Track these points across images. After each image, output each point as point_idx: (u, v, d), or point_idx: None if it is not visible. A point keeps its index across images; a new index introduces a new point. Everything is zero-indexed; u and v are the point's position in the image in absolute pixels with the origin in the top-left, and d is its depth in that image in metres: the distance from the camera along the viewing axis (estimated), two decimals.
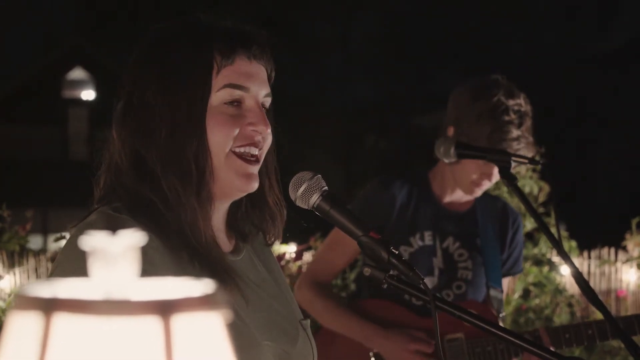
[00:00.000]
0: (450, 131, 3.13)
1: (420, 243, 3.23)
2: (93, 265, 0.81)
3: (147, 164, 1.72)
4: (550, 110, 23.22)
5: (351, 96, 28.40)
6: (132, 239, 0.83)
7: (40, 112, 24.50)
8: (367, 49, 28.38)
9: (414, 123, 26.07)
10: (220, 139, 1.73)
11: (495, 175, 3.13)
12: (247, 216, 1.89)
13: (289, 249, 5.24)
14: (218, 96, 1.73)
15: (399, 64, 27.59)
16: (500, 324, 3.22)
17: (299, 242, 5.26)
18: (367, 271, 1.81)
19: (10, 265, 5.53)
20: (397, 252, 1.76)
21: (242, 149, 1.75)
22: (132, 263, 0.83)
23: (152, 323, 0.78)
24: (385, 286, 1.82)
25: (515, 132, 3.03)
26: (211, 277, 1.68)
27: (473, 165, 3.10)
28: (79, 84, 25.72)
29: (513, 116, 3.04)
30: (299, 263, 4.97)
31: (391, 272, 1.79)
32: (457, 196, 3.27)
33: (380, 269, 1.79)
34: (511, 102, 3.06)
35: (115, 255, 0.82)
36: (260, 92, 1.79)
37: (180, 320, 0.80)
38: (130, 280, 0.82)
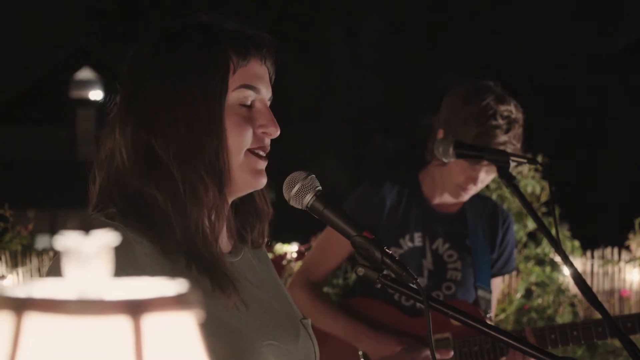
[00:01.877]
0: (440, 134, 3.14)
1: (409, 244, 3.24)
2: (67, 266, 0.82)
3: (157, 160, 1.70)
4: (555, 110, 23.19)
5: (359, 97, 28.40)
6: (105, 239, 0.84)
7: (48, 112, 24.56)
8: (375, 49, 28.37)
9: (422, 123, 26.05)
10: (237, 139, 1.73)
11: (482, 180, 3.14)
12: (237, 217, 1.89)
13: (291, 249, 5.25)
14: (233, 96, 1.74)
15: (406, 63, 27.58)
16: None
17: (301, 242, 5.27)
18: (360, 271, 1.81)
19: (14, 265, 5.56)
20: (390, 252, 1.77)
21: (254, 151, 1.77)
22: (106, 263, 0.84)
23: (122, 323, 0.79)
24: (379, 286, 1.83)
25: (501, 137, 3.03)
26: (210, 282, 1.69)
27: (459, 168, 3.11)
28: (87, 84, 25.77)
29: (501, 121, 3.04)
30: (300, 263, 4.97)
31: (385, 272, 1.79)
32: (447, 197, 3.27)
33: (373, 268, 1.79)
34: (501, 108, 3.07)
35: (88, 255, 0.83)
36: (268, 95, 1.81)
37: (151, 320, 0.80)
38: (103, 280, 0.83)
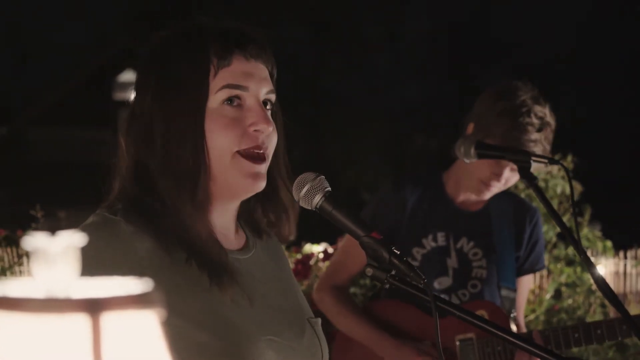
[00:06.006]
0: (470, 128, 3.13)
1: (432, 244, 3.24)
2: (34, 265, 0.84)
3: (147, 172, 1.74)
4: (597, 107, 22.98)
5: (400, 96, 28.30)
6: (71, 239, 0.86)
7: (91, 114, 24.73)
8: (416, 47, 28.27)
9: (464, 122, 25.84)
10: (223, 142, 1.73)
11: (506, 177, 3.11)
12: (263, 213, 1.91)
13: (319, 249, 5.26)
14: (216, 98, 1.74)
15: (447, 62, 27.46)
16: (511, 323, 3.22)
17: (330, 243, 5.28)
18: (369, 271, 1.81)
19: None
20: (398, 253, 1.77)
21: (247, 151, 1.76)
22: (72, 262, 0.85)
23: (80, 321, 0.80)
24: (387, 286, 1.83)
25: (533, 135, 3.01)
26: (210, 276, 1.71)
27: (484, 164, 3.07)
28: (130, 87, 25.89)
29: (535, 120, 3.02)
30: (328, 263, 4.98)
31: (393, 272, 1.79)
32: (471, 195, 3.25)
33: (382, 269, 1.79)
34: (536, 107, 3.05)
35: (55, 255, 0.85)
36: (261, 90, 1.78)
37: (110, 319, 0.82)
38: (69, 279, 0.85)
